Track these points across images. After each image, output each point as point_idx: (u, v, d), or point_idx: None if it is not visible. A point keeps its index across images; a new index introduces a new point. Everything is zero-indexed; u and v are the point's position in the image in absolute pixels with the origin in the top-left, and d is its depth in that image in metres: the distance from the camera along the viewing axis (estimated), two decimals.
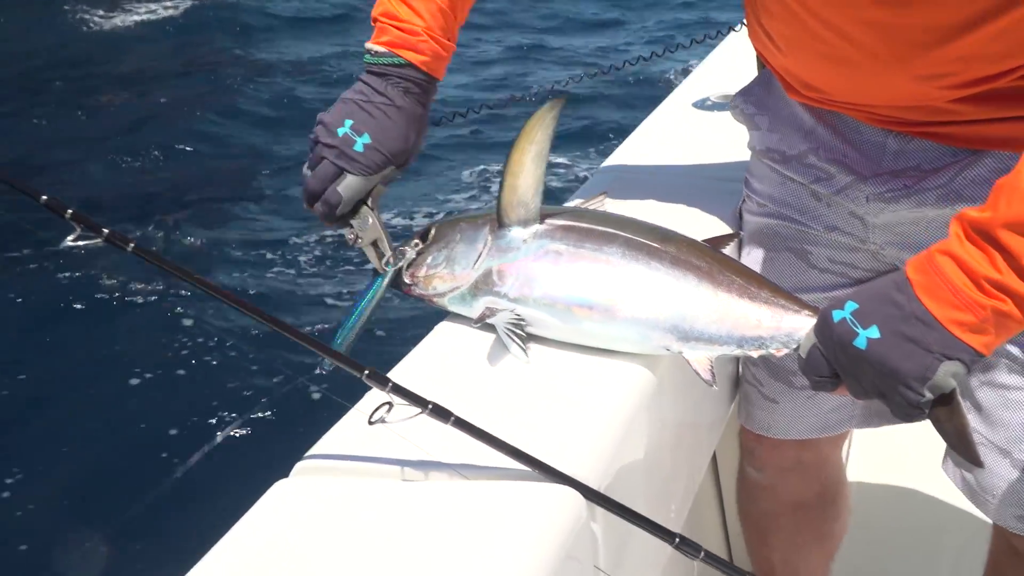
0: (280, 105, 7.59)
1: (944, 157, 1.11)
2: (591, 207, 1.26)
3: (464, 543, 0.81)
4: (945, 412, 0.92)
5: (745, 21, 1.29)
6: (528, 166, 1.09)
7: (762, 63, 1.34)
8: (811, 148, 1.24)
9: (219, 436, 3.54)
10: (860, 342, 0.89)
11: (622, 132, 1.74)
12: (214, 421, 3.68)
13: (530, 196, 1.10)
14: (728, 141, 1.63)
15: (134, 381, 3.99)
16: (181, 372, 4.03)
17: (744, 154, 1.60)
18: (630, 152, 1.63)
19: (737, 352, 1.08)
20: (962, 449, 0.97)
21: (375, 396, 0.92)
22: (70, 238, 0.85)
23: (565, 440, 0.93)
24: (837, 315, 0.92)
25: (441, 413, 0.87)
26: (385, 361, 1.06)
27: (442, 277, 1.14)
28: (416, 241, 1.18)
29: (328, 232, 5.46)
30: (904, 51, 1.02)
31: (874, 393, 0.92)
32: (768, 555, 1.61)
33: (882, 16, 0.99)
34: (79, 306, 4.55)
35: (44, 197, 0.86)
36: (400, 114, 1.17)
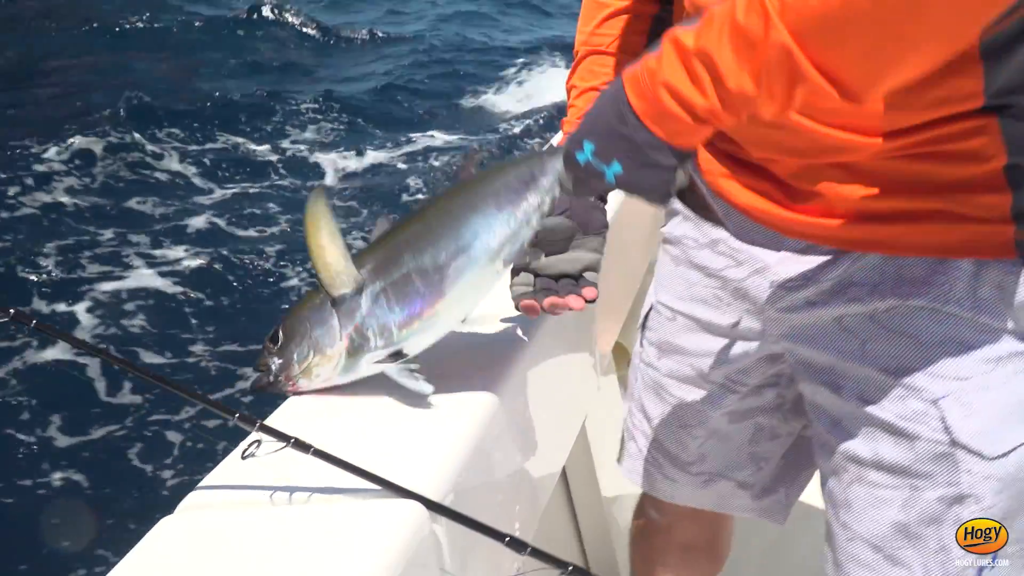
0: None
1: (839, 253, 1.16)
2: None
3: (323, 559, 0.90)
4: (692, 198, 1.07)
5: None
6: (327, 244, 1.15)
7: None
8: (722, 236, 1.26)
9: (110, 479, 3.63)
10: (609, 178, 0.96)
11: None
12: (106, 463, 3.80)
13: (343, 266, 1.16)
14: None
15: (21, 428, 4.06)
16: (75, 422, 4.16)
17: None
18: None
19: (531, 228, 1.16)
20: (708, 215, 1.11)
21: (251, 438, 1.03)
22: None
23: (413, 460, 1.04)
24: (581, 157, 0.97)
25: (302, 446, 0.99)
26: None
27: (318, 363, 1.17)
28: (270, 346, 1.19)
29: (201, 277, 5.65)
30: None
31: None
32: None
33: None
34: None
35: None
36: None
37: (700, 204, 1.11)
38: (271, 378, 1.19)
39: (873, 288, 1.12)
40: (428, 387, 1.15)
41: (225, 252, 6.05)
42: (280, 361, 1.18)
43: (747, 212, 1.19)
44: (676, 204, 1.32)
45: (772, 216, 1.16)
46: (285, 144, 8.17)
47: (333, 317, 1.17)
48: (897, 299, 1.11)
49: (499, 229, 1.15)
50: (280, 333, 1.19)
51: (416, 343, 1.18)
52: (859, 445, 1.16)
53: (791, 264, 1.18)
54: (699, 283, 1.32)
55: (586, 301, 1.22)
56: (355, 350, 1.17)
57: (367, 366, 1.18)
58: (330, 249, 1.15)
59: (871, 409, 1.13)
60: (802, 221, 1.13)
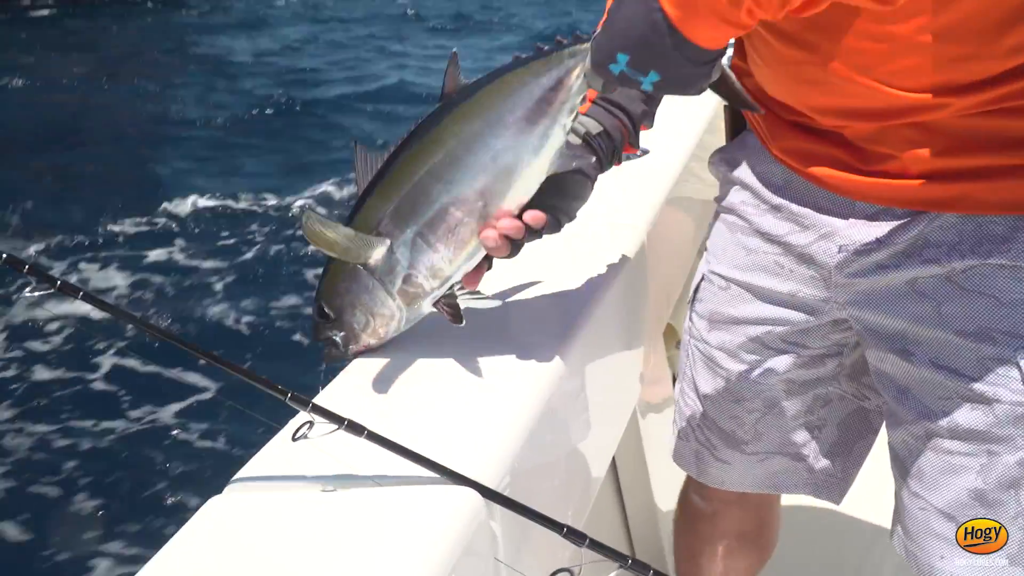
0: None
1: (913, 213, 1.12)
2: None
3: (375, 545, 0.87)
4: (724, 87, 1.06)
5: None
6: (335, 239, 1.10)
7: (736, 129, 1.37)
8: (784, 202, 1.22)
9: (157, 457, 3.67)
10: (646, 87, 0.94)
11: None
12: (154, 443, 3.89)
13: (359, 242, 1.10)
14: (621, 189, 1.72)
15: (72, 407, 4.16)
16: (121, 399, 4.27)
17: (637, 200, 1.69)
18: None
19: (565, 131, 1.10)
20: (740, 102, 1.09)
21: (301, 418, 1.00)
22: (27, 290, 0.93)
23: (468, 445, 1.00)
24: (615, 68, 0.93)
25: (355, 428, 0.95)
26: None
27: (381, 324, 1.15)
28: (323, 322, 1.16)
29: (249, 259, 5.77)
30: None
31: None
32: (696, 574, 1.64)
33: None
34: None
35: (4, 255, 0.94)
36: None
37: (733, 95, 1.09)
38: (340, 348, 1.17)
39: (951, 248, 1.09)
40: (495, 301, 1.15)
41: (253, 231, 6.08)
42: (342, 333, 1.15)
43: (816, 179, 1.16)
44: (734, 173, 1.32)
45: (844, 181, 1.14)
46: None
47: (373, 281, 1.13)
48: (977, 258, 1.08)
49: (536, 143, 1.09)
50: (325, 309, 1.15)
51: (468, 267, 1.14)
52: (932, 412, 1.15)
53: (862, 228, 1.15)
54: (759, 249, 1.28)
55: (529, 227, 1.12)
56: (412, 299, 1.14)
57: (429, 306, 1.16)
58: (339, 241, 1.10)
59: (945, 374, 1.12)
60: (876, 184, 1.11)
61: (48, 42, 10.81)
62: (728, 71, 1.04)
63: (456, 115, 1.10)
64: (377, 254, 1.11)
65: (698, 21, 0.87)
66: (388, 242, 1.11)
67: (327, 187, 7.26)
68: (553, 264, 1.40)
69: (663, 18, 0.87)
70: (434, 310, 1.16)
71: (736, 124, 1.38)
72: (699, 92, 0.99)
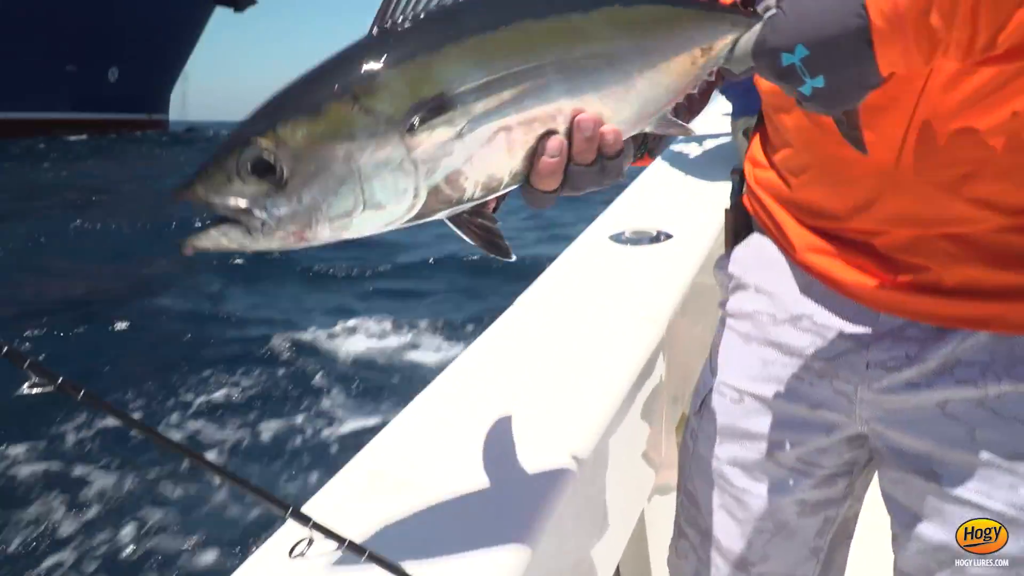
0: None
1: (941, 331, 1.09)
2: None
3: None
4: (851, 120, 0.91)
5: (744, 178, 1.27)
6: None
7: (737, 232, 1.31)
8: (804, 312, 1.18)
9: (144, 559, 3.62)
10: (805, 89, 0.84)
11: None
12: (143, 547, 3.80)
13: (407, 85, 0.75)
14: (643, 275, 1.70)
15: (59, 503, 4.19)
16: (112, 500, 4.24)
17: (659, 288, 1.66)
18: (547, 285, 1.69)
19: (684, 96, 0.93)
20: (855, 138, 0.92)
21: (299, 533, 0.95)
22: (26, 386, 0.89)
23: (473, 567, 0.96)
24: (787, 59, 0.83)
25: (356, 549, 0.91)
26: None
27: (369, 217, 0.76)
28: (252, 183, 0.72)
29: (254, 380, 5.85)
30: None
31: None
32: None
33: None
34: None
35: (4, 348, 0.91)
36: None
37: (852, 131, 0.93)
38: (251, 233, 0.73)
39: (984, 369, 1.07)
40: (512, 255, 0.84)
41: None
42: (283, 211, 0.72)
43: (842, 287, 1.14)
44: (746, 279, 1.29)
45: (871, 291, 1.11)
46: None
47: (408, 163, 0.75)
48: (1011, 383, 1.06)
49: (663, 94, 0.90)
50: (274, 160, 0.72)
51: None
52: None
53: (890, 342, 1.12)
54: (776, 362, 1.23)
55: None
56: (438, 203, 0.79)
57: (441, 216, 0.82)
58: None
59: (976, 499, 1.09)
60: (905, 297, 1.09)
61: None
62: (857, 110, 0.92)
63: (613, 16, 0.85)
64: (441, 133, 0.75)
65: (897, 40, 0.79)
66: (463, 123, 0.76)
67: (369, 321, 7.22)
68: (568, 360, 1.37)
69: (864, 26, 0.78)
70: (441, 219, 0.82)
71: (738, 228, 1.32)
72: (834, 115, 0.89)
